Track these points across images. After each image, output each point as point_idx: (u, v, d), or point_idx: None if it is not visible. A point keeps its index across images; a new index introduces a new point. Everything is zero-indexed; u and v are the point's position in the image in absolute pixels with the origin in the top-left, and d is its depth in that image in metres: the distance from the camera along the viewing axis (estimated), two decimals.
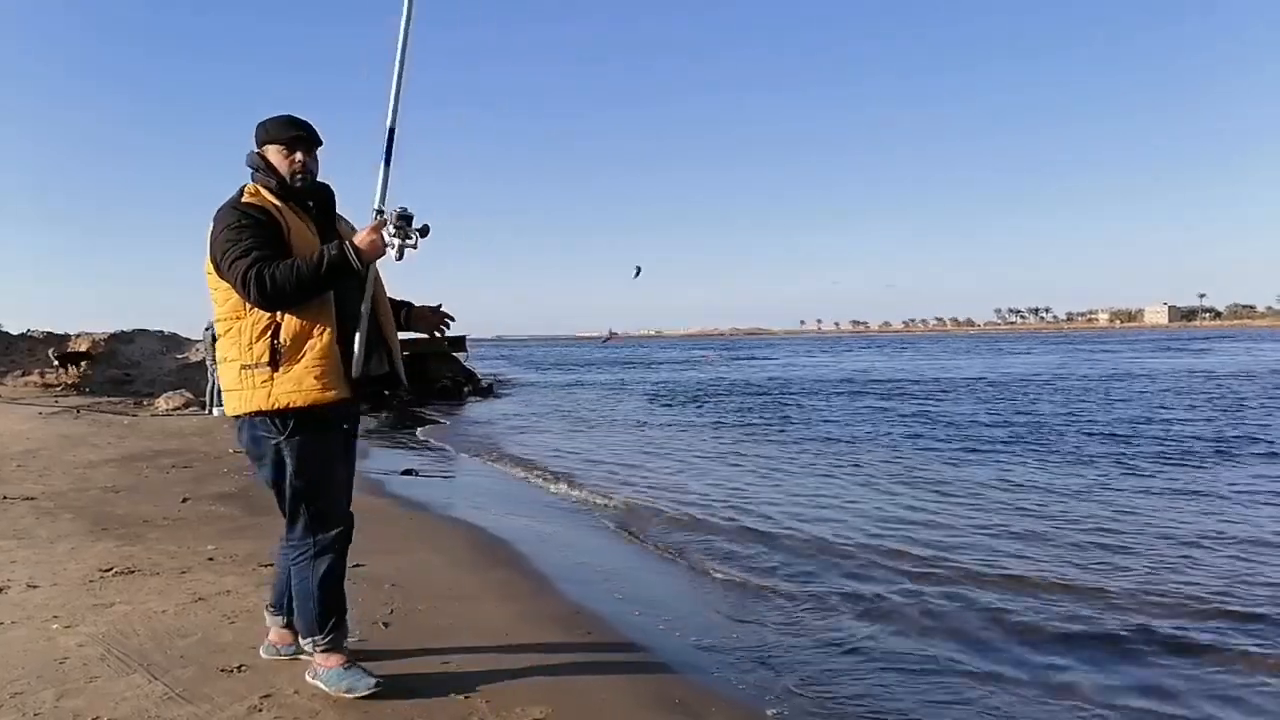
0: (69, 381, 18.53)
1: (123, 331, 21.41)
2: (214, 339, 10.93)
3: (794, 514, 7.01)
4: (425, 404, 20.00)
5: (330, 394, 2.62)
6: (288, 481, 2.70)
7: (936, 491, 8.06)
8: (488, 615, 3.91)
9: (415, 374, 22.43)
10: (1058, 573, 5.18)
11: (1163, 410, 15.84)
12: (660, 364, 48.88)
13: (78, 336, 21.22)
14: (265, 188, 2.69)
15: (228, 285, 2.59)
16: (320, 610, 2.77)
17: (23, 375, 19.23)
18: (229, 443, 10.34)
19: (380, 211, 2.67)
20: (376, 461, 9.78)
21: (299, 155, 2.70)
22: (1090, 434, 12.45)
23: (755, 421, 15.63)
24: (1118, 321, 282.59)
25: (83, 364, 19.14)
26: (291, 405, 2.60)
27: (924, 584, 4.96)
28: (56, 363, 19.25)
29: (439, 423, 16.07)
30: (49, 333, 22.18)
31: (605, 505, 7.38)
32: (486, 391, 24.28)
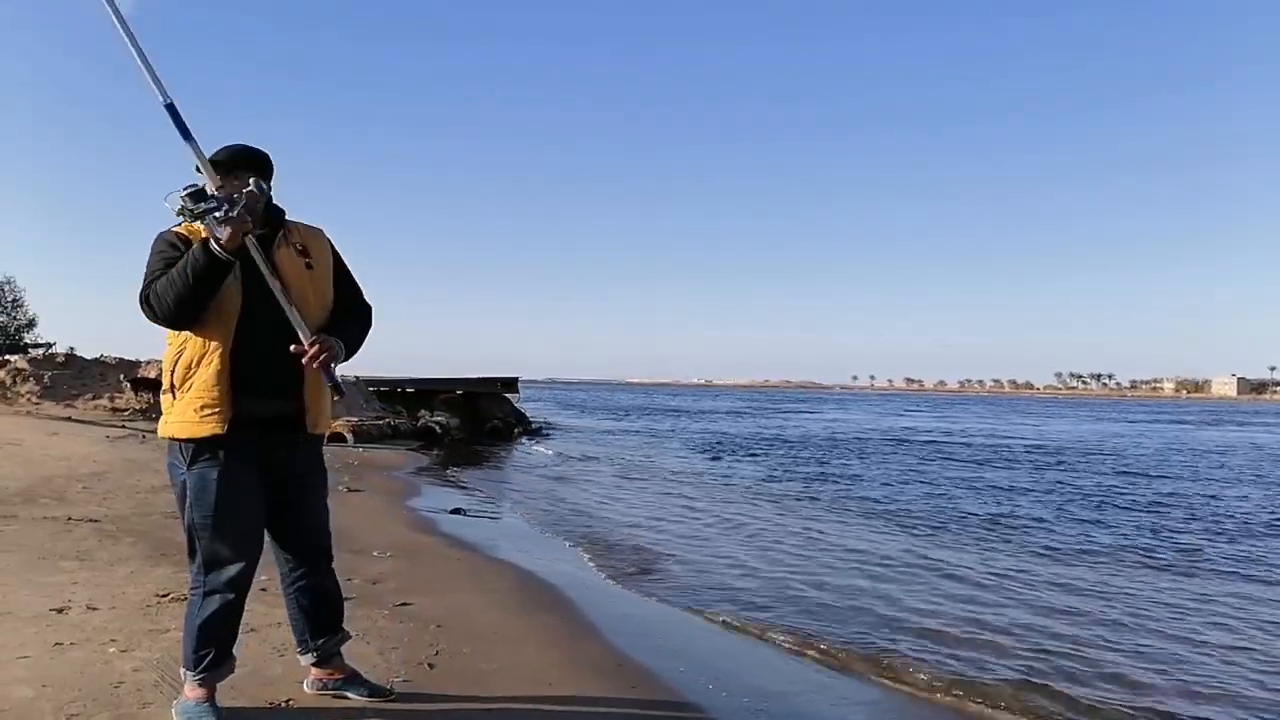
0: (137, 406, 19.16)
1: None
2: None
3: (837, 580, 6.86)
4: (476, 443, 20.19)
5: (207, 429, 2.59)
6: (185, 513, 2.72)
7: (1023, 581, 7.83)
8: (531, 661, 3.88)
9: (467, 413, 22.79)
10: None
11: (1208, 485, 15.22)
12: (704, 414, 48.66)
13: (147, 363, 21.96)
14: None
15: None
16: (195, 646, 2.74)
17: (94, 399, 19.94)
18: None
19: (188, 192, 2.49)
20: (427, 499, 9.88)
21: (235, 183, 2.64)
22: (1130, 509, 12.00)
23: (799, 478, 15.41)
24: (1184, 391, 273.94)
25: (156, 394, 19.80)
26: (176, 437, 2.66)
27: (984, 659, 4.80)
28: (129, 387, 19.94)
29: (489, 463, 16.16)
30: (120, 359, 23.03)
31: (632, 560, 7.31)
32: (536, 433, 24.42)
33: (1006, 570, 7.31)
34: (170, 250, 2.61)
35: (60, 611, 4.09)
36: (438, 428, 19.70)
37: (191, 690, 2.78)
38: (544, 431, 25.34)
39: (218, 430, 2.58)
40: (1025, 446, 24.99)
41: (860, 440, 26.73)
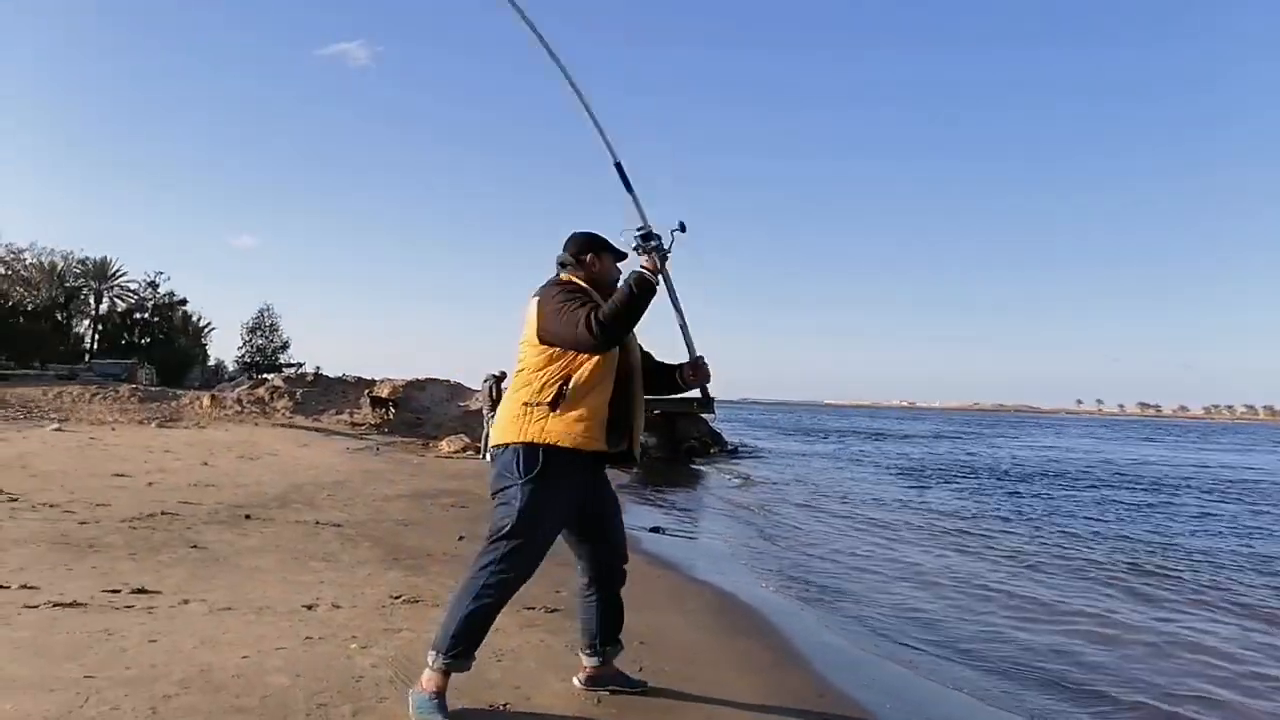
0: (373, 421, 21.07)
1: (417, 380, 24.07)
2: (491, 390, 12.02)
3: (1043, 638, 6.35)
4: (674, 462, 20.49)
5: (590, 444, 3.05)
6: (505, 512, 3.06)
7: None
8: (730, 685, 3.90)
9: (664, 432, 23.20)
10: None
11: None
12: (906, 437, 46.57)
13: (381, 382, 24.14)
14: (576, 277, 3.27)
15: (545, 346, 3.10)
16: (453, 632, 3.05)
17: (336, 414, 22.14)
18: None
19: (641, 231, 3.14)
20: (628, 517, 10.11)
21: (609, 267, 3.33)
22: None
23: (1001, 511, 14.40)
24: None
25: (391, 409, 21.73)
26: (557, 443, 3.04)
27: None
28: (368, 403, 22.02)
29: (686, 482, 16.34)
30: (359, 378, 25.43)
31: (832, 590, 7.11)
32: (732, 453, 24.43)
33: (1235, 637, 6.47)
34: (582, 294, 3.13)
35: (310, 608, 4.58)
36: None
37: (429, 681, 3.06)
38: (739, 452, 25.31)
39: (601, 446, 3.08)
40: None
41: (1060, 473, 24.58)
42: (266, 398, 23.26)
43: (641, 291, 2.97)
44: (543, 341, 3.11)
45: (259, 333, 47.84)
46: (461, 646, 3.06)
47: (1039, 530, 11.42)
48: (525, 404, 3.09)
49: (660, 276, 3.04)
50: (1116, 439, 54.11)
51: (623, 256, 3.31)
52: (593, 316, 2.97)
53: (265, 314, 48.10)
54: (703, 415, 25.56)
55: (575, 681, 3.53)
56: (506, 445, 3.12)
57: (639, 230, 3.13)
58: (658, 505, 12.23)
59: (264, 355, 47.24)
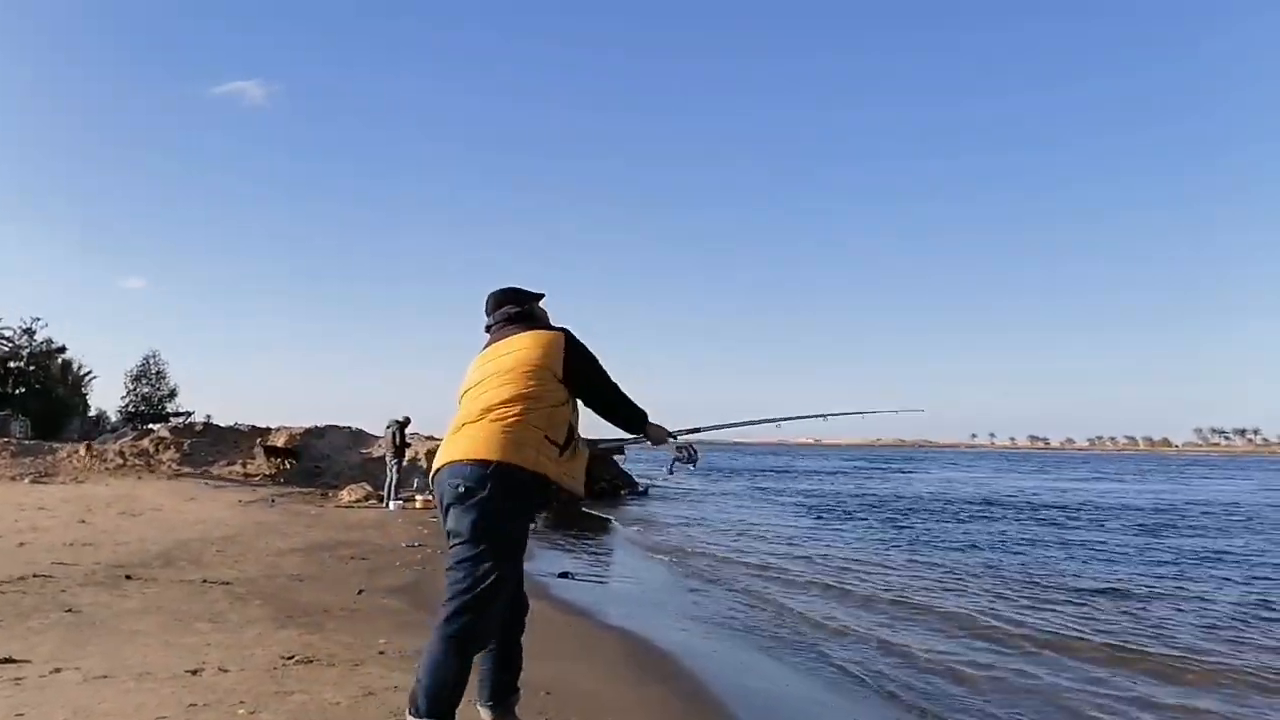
0: (267, 472, 20.19)
1: (316, 427, 23.24)
2: (394, 436, 11.78)
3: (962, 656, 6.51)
4: (583, 505, 20.30)
5: (579, 489, 3.20)
6: (488, 545, 2.91)
7: None
8: None
9: None
10: None
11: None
12: (810, 473, 47.55)
13: (277, 430, 23.20)
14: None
15: (562, 385, 3.13)
16: (444, 694, 2.83)
17: (228, 464, 21.14)
18: (402, 537, 10.89)
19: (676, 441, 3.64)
20: (536, 562, 9.96)
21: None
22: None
23: (894, 542, 14.81)
24: None
25: (286, 459, 20.86)
26: (565, 486, 3.11)
27: None
28: (261, 453, 21.09)
29: (596, 525, 16.19)
30: (253, 426, 24.39)
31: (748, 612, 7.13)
32: (642, 494, 24.40)
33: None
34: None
35: (195, 673, 4.29)
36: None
37: None
38: (649, 492, 25.28)
39: (581, 494, 3.21)
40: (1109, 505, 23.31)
41: (948, 503, 25.50)
42: (151, 449, 22.03)
43: (634, 424, 3.34)
44: (566, 381, 3.14)
45: (144, 380, 45.54)
46: (447, 708, 2.84)
47: (915, 560, 11.76)
48: (546, 437, 3.02)
49: (648, 440, 3.43)
50: (1003, 471, 56.43)
51: (542, 296, 3.52)
52: (628, 398, 3.32)
53: (151, 360, 45.90)
54: (613, 457, 25.50)
55: None
56: (501, 466, 2.92)
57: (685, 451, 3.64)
58: (566, 550, 12.06)
59: (150, 404, 44.92)
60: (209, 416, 31.65)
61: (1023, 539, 15.14)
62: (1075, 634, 7.08)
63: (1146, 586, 9.83)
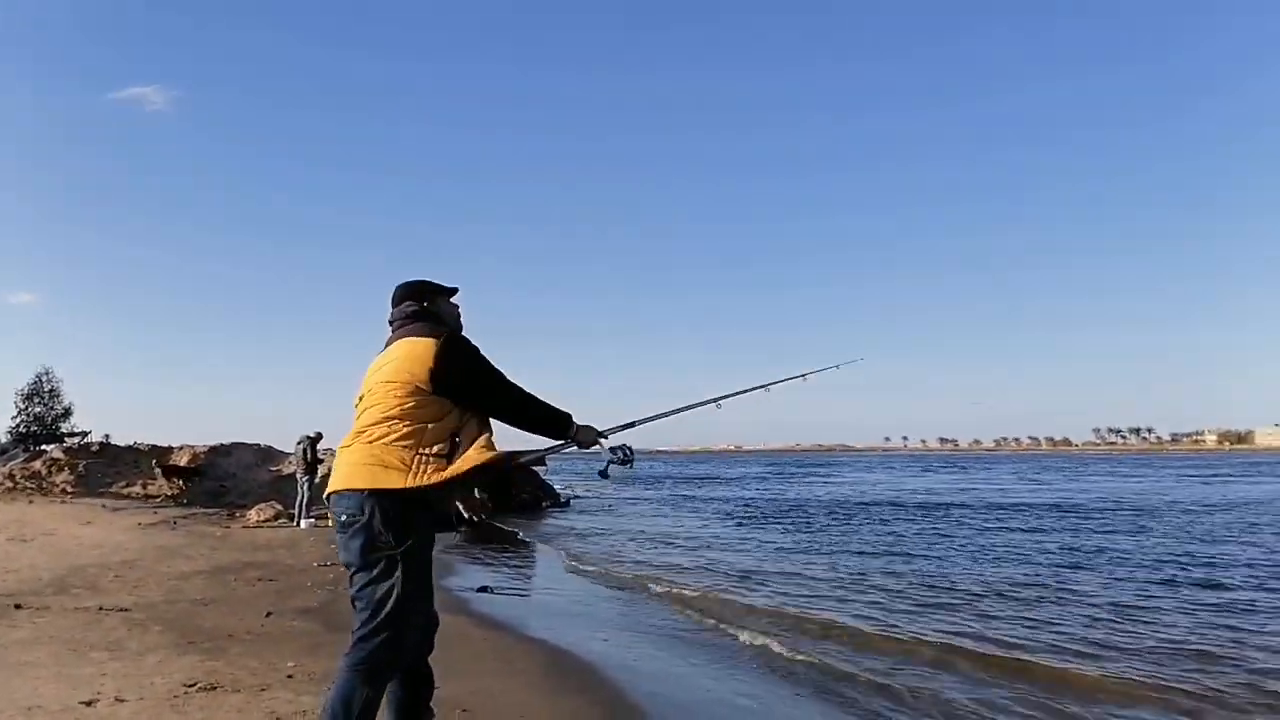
0: (169, 493, 19.35)
1: (221, 445, 22.38)
2: (305, 452, 11.45)
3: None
4: (505, 518, 20.11)
5: (449, 506, 3.03)
6: (382, 569, 2.78)
7: None
8: None
9: (494, 489, 22.76)
10: None
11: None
12: (730, 480, 48.17)
13: (179, 449, 22.26)
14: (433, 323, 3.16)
15: (440, 397, 2.91)
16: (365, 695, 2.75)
17: (127, 485, 20.18)
18: (314, 556, 10.57)
19: (607, 441, 3.25)
20: (455, 578, 9.82)
21: (442, 301, 3.26)
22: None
23: (816, 547, 15.16)
24: (1226, 444, 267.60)
25: (188, 479, 20.00)
26: (454, 477, 2.85)
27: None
28: (160, 473, 20.17)
29: (517, 538, 16.05)
30: (153, 445, 23.35)
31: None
32: (565, 506, 24.30)
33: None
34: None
35: (89, 704, 4.09)
36: (468, 513, 19.66)
37: None
38: (571, 504, 25.19)
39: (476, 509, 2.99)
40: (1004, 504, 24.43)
41: (861, 505, 26.25)
42: (44, 471, 20.88)
43: (555, 429, 3.07)
44: (441, 393, 2.90)
45: (36, 399, 43.08)
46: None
47: (835, 558, 12.07)
48: (419, 453, 2.84)
49: (576, 445, 3.12)
50: (910, 472, 58.19)
51: (454, 291, 3.29)
52: (527, 396, 3.04)
53: (44, 379, 43.45)
54: (534, 469, 25.32)
55: None
56: (382, 491, 2.79)
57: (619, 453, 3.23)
58: (487, 564, 11.91)
59: (42, 424, 42.51)
60: (107, 436, 30.14)
61: (925, 539, 15.65)
62: (964, 639, 7.36)
63: (1037, 584, 10.29)
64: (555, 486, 26.47)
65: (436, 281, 3.27)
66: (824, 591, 9.55)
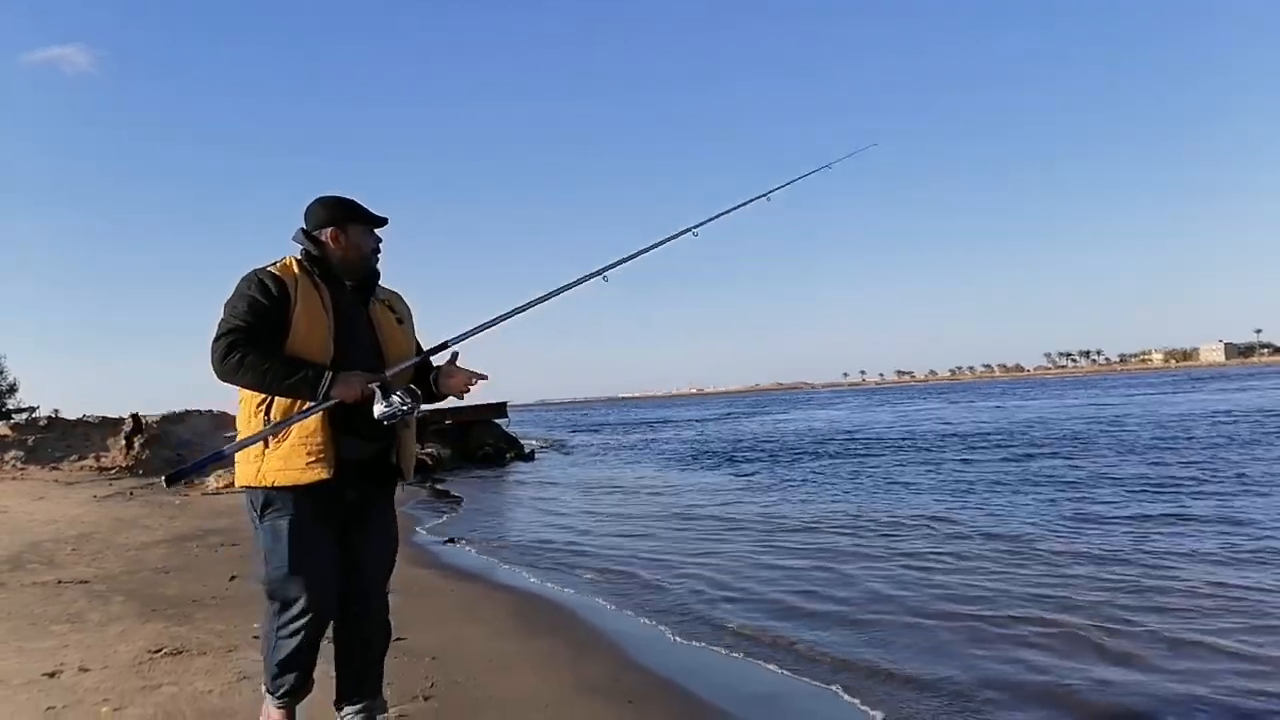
0: (124, 464, 19.00)
1: (174, 412, 21.97)
2: None
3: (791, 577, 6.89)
4: (469, 471, 20.14)
5: (314, 474, 2.55)
6: (261, 562, 2.67)
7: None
8: (527, 686, 3.89)
9: (458, 442, 22.71)
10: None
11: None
12: (691, 422, 48.65)
13: (130, 419, 21.79)
14: (299, 261, 2.71)
15: None
16: (274, 676, 2.69)
17: (79, 459, 19.77)
18: None
19: (383, 387, 2.61)
20: (422, 532, 9.84)
21: (376, 236, 2.83)
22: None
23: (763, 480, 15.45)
24: (1173, 361, 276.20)
25: (137, 440, 19.63)
26: (275, 484, 2.58)
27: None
28: (124, 440, 19.79)
29: (482, 490, 16.10)
30: (104, 417, 22.84)
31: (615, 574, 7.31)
32: (529, 456, 24.36)
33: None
34: (263, 297, 2.56)
35: (52, 676, 4.06)
36: (429, 459, 19.63)
37: (273, 712, 2.75)
38: (536, 454, 25.28)
39: (324, 475, 2.55)
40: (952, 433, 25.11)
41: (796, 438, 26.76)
42: None
43: (294, 393, 2.52)
44: None
45: None
46: (287, 685, 2.70)
47: (788, 498, 12.35)
48: (242, 440, 2.61)
49: (350, 403, 2.54)
50: (867, 406, 59.26)
51: (380, 222, 2.81)
52: (225, 341, 2.48)
53: None
54: (496, 421, 25.29)
55: None
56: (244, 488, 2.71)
57: (407, 404, 2.59)
58: (454, 516, 11.95)
59: None
60: (56, 411, 29.29)
61: (883, 473, 16.04)
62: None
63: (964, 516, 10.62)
64: (521, 439, 26.49)
65: (349, 205, 2.77)
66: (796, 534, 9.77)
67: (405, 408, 2.55)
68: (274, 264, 2.68)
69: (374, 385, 2.56)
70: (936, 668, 4.32)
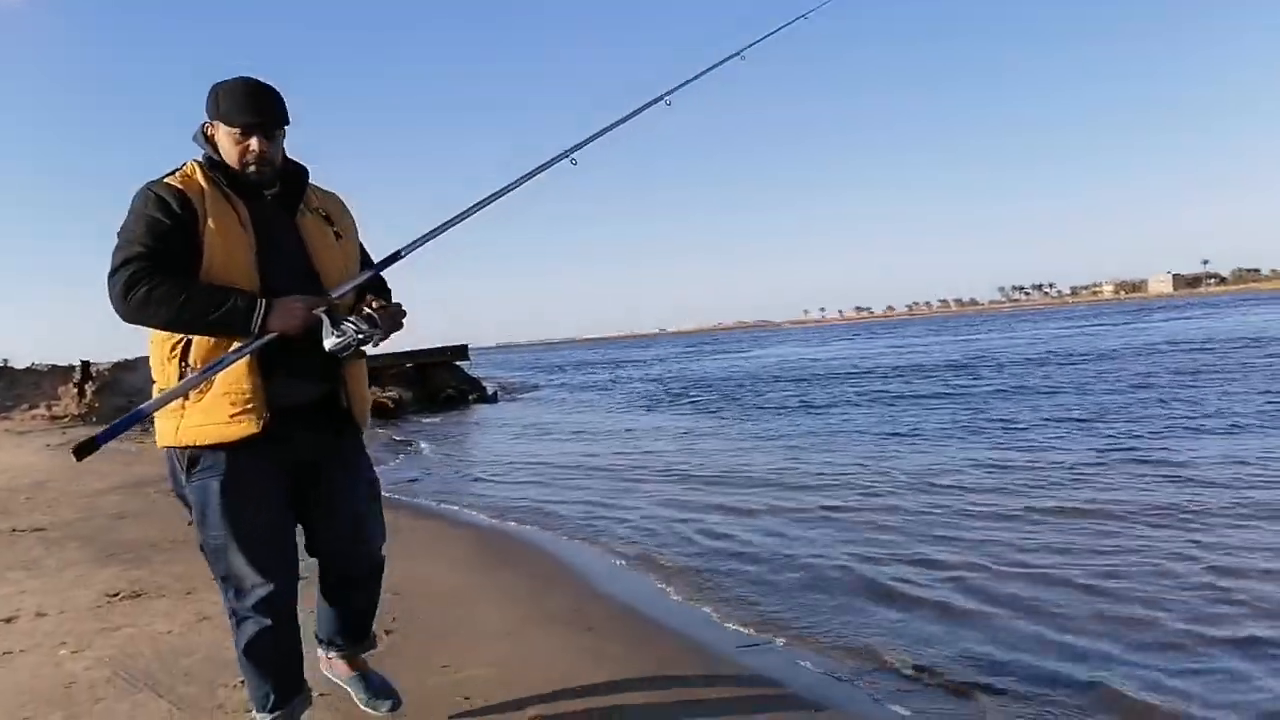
0: (76, 411, 18.66)
1: (126, 360, 21.54)
2: None
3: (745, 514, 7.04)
4: (431, 413, 20.11)
5: (240, 429, 2.11)
6: (197, 533, 2.25)
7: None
8: (489, 617, 3.95)
9: (419, 385, 22.61)
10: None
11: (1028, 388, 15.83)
12: (653, 361, 48.90)
13: (80, 366, 21.34)
14: (202, 167, 2.19)
15: None
16: (252, 683, 2.35)
17: (30, 409, 19.38)
18: None
19: (335, 310, 2.16)
20: (384, 473, 9.82)
21: (254, 143, 2.15)
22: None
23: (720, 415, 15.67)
24: (1122, 293, 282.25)
25: (89, 388, 19.28)
26: (198, 443, 2.15)
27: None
28: (75, 387, 19.43)
29: (444, 432, 16.11)
30: (54, 365, 22.35)
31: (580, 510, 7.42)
32: (491, 399, 24.35)
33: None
34: (164, 216, 2.06)
35: (9, 621, 4.05)
36: (390, 402, 19.55)
37: None
38: (498, 396, 25.27)
39: (254, 429, 2.11)
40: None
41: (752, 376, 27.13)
42: None
43: (222, 329, 2.05)
44: None
45: None
46: (273, 696, 2.34)
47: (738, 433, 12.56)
48: (159, 392, 2.18)
49: (293, 336, 2.09)
50: (819, 341, 59.97)
51: (248, 127, 2.14)
52: (125, 274, 2.00)
53: None
54: (457, 363, 25.20)
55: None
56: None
57: (363, 331, 2.12)
58: (416, 457, 11.97)
59: None
60: (5, 360, 28.55)
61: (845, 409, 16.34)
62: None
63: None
64: (483, 381, 26.43)
65: (229, 89, 2.17)
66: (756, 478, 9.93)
67: (361, 335, 2.10)
68: (172, 173, 2.16)
69: (319, 312, 2.11)
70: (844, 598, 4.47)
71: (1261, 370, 15.41)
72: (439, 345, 25.28)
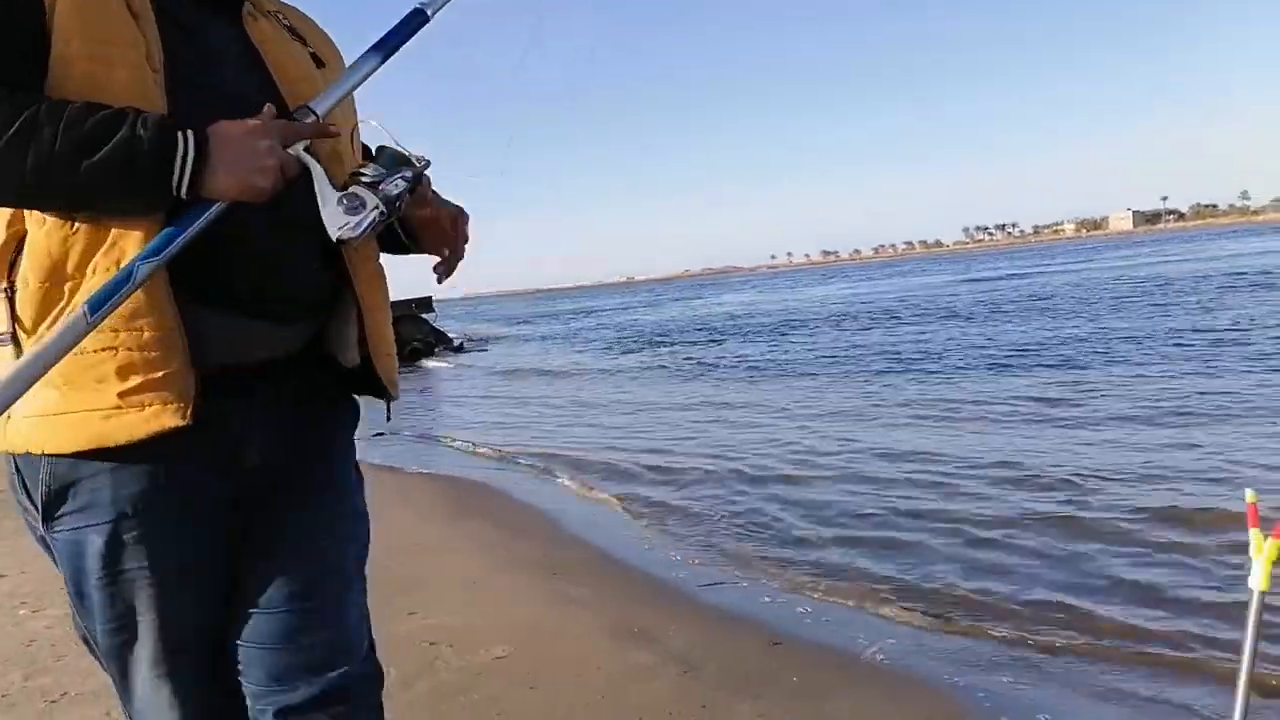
0: None
1: None
2: None
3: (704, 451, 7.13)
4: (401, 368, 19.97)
5: (145, 420, 1.00)
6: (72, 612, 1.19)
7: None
8: (457, 565, 3.99)
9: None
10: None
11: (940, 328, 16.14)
12: (618, 310, 48.87)
13: None
14: None
15: None
16: None
17: None
18: None
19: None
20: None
21: None
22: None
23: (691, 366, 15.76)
24: (1084, 231, 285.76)
25: None
26: (59, 451, 1.04)
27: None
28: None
29: (412, 384, 16.02)
30: None
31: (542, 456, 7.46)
32: (457, 350, 24.22)
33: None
34: None
35: None
36: None
37: None
38: (464, 347, 25.15)
39: (172, 421, 1.00)
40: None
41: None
42: None
43: (93, 169, 0.93)
44: None
45: None
46: None
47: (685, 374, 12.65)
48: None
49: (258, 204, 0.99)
50: (784, 286, 60.22)
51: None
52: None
53: None
54: (423, 316, 24.99)
55: None
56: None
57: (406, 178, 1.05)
58: (382, 410, 11.87)
59: None
60: None
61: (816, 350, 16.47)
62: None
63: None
64: (449, 333, 26.25)
65: None
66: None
67: (397, 199, 1.05)
68: None
69: (302, 151, 1.03)
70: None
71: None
72: (403, 298, 25.01)
